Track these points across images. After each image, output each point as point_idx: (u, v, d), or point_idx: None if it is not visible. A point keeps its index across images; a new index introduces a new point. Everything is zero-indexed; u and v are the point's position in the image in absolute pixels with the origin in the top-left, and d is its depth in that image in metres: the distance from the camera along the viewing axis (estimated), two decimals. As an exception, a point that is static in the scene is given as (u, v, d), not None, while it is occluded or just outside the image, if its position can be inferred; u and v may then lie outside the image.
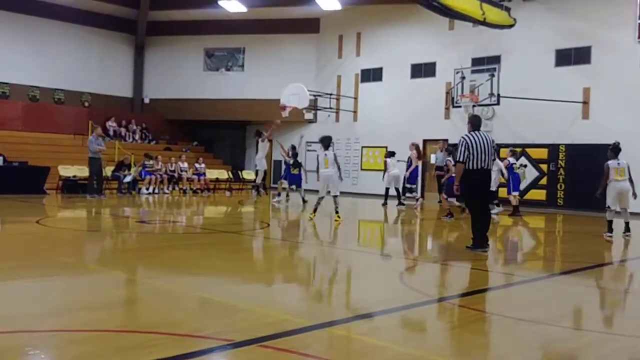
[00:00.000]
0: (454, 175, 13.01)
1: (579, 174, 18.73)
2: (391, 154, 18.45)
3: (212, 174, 24.03)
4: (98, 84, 26.61)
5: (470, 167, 8.70)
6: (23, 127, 23.17)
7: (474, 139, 8.69)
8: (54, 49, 25.04)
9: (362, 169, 24.60)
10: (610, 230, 11.35)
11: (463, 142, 8.68)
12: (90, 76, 26.32)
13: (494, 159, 11.41)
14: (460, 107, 20.36)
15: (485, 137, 8.78)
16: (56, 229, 11.05)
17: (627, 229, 11.51)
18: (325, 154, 12.57)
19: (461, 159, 8.66)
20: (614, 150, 11.53)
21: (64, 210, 15.26)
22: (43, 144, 22.26)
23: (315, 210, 12.73)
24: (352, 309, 5.50)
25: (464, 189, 8.99)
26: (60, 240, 9.53)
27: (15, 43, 23.84)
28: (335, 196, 12.60)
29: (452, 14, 17.66)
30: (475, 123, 8.95)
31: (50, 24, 24.79)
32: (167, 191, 21.53)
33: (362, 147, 24.72)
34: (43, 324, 4.51)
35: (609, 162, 11.38)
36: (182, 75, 27.51)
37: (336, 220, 12.49)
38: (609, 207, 11.39)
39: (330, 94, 25.04)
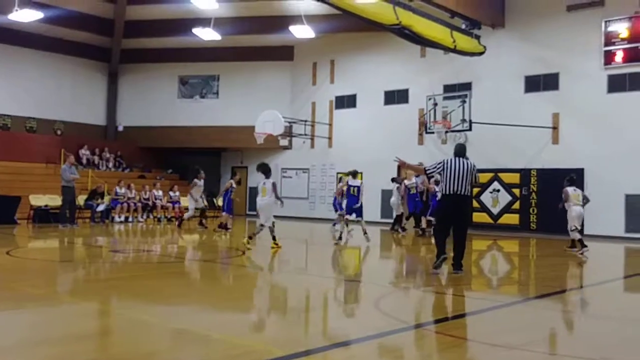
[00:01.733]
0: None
1: (551, 198, 18.96)
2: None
3: (187, 201, 23.76)
4: (71, 112, 26.39)
5: (444, 192, 9.09)
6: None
7: (451, 163, 9.01)
8: (25, 76, 24.81)
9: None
10: (584, 245, 12.54)
11: (440, 162, 9.12)
12: (62, 104, 26.11)
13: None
14: (433, 133, 20.60)
15: (464, 164, 9.04)
16: (27, 260, 10.84)
17: (584, 244, 12.75)
18: (264, 182, 12.28)
19: (428, 170, 9.33)
20: (570, 180, 13.43)
21: (35, 240, 15.00)
22: (14, 173, 21.91)
23: (250, 238, 12.37)
24: (328, 337, 5.46)
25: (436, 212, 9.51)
26: (30, 271, 9.35)
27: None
28: (262, 225, 12.25)
29: (424, 42, 17.99)
30: (456, 150, 9.33)
31: (22, 51, 24.61)
32: (141, 219, 21.30)
33: (337, 173, 24.81)
34: (10, 358, 4.40)
35: (567, 188, 13.21)
36: (156, 103, 27.44)
37: (272, 248, 12.13)
38: (575, 227, 12.82)
39: (305, 121, 25.18)
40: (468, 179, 8.94)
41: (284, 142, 25.31)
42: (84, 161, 24.91)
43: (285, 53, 26.54)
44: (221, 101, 27.29)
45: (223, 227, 17.28)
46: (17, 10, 20.66)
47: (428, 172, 9.38)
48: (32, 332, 5.31)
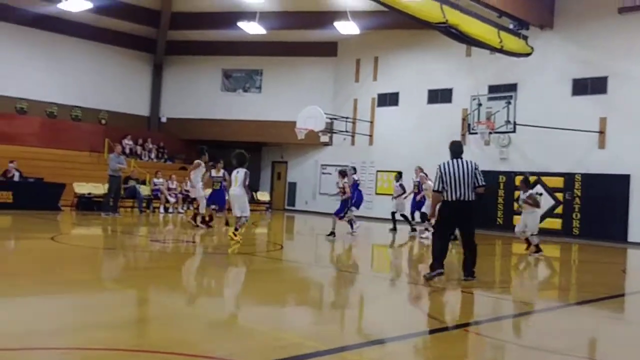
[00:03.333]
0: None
1: (595, 204, 18.58)
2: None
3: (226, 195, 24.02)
4: (115, 102, 26.86)
5: (445, 199, 8.24)
6: (40, 144, 23.36)
7: (449, 167, 8.24)
8: (73, 66, 25.32)
9: (376, 193, 24.54)
10: (540, 250, 12.57)
11: (437, 171, 8.30)
12: (107, 94, 26.58)
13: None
14: (476, 133, 20.31)
15: (464, 165, 8.23)
16: (70, 246, 11.08)
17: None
18: (237, 171, 11.82)
19: (436, 188, 8.25)
20: (528, 182, 13.27)
21: (78, 227, 15.32)
22: (59, 161, 22.42)
23: (236, 230, 11.68)
24: (366, 334, 5.43)
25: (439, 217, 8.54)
26: (74, 257, 9.55)
27: (34, 59, 24.16)
28: (239, 217, 11.77)
29: (470, 41, 17.72)
30: (453, 150, 8.52)
31: (70, 41, 25.12)
32: (181, 210, 21.58)
33: (377, 171, 24.70)
34: (56, 341, 4.49)
35: (532, 191, 13.14)
36: (199, 95, 27.74)
37: (231, 238, 11.57)
38: (537, 233, 12.77)
39: (347, 118, 25.12)
40: (470, 182, 8.10)
41: (324, 138, 25.31)
42: (127, 151, 25.34)
43: (329, 49, 26.51)
44: (263, 95, 27.44)
45: (204, 222, 15.20)
46: (66, 0, 21.17)
47: (438, 191, 8.27)
48: (76, 317, 5.41)
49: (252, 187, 27.73)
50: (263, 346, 4.58)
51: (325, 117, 22.27)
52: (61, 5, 21.40)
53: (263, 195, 26.56)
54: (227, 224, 15.54)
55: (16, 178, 18.21)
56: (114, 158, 17.53)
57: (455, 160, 8.26)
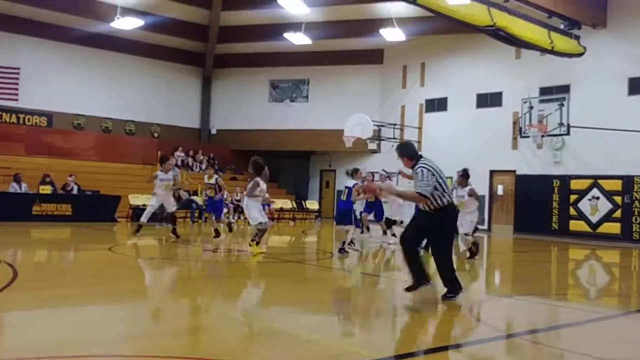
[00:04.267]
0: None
1: (656, 207, 17.93)
2: None
3: (277, 203, 24.26)
4: (167, 116, 27.48)
5: (439, 204, 6.74)
6: (96, 158, 24.09)
7: (433, 165, 6.86)
8: (126, 82, 26.04)
9: (425, 200, 24.24)
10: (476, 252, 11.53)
11: (425, 170, 6.70)
12: (159, 108, 27.22)
13: None
14: (528, 137, 19.91)
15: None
16: (126, 257, 11.33)
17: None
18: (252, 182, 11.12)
19: (427, 193, 6.63)
20: (467, 175, 11.95)
21: (134, 237, 15.65)
22: (114, 174, 23.05)
23: (256, 242, 10.91)
24: (420, 343, 5.35)
25: (435, 231, 6.95)
26: (130, 267, 9.76)
27: (90, 77, 24.96)
28: (260, 224, 10.96)
29: (519, 43, 17.41)
30: (413, 151, 7.12)
31: (123, 58, 25.84)
32: (232, 220, 21.81)
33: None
34: (112, 350, 4.59)
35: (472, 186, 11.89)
36: (247, 107, 28.08)
37: (253, 254, 10.79)
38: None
39: (394, 124, 24.98)
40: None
41: (372, 145, 25.21)
42: (179, 163, 25.83)
43: (375, 56, 26.47)
44: (311, 105, 27.57)
45: (174, 234, 13.53)
46: (119, 19, 21.84)
47: (425, 193, 6.62)
48: (132, 326, 5.52)
49: (300, 195, 27.94)
50: (316, 355, 4.56)
51: (372, 125, 22.21)
52: (114, 24, 22.08)
53: (312, 204, 26.62)
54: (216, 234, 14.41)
55: (75, 191, 18.83)
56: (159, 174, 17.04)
57: (429, 160, 6.91)
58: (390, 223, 14.58)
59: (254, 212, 11.00)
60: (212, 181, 14.76)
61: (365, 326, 5.98)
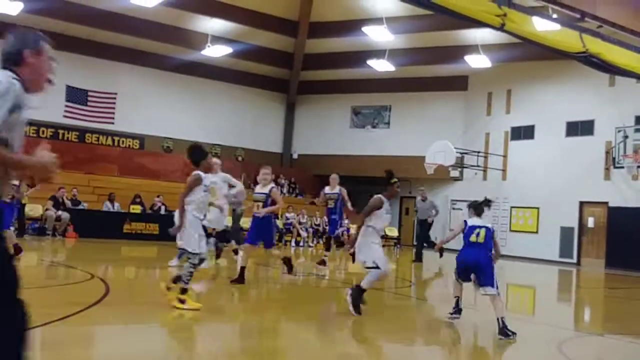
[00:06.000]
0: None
1: None
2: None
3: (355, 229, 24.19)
4: (251, 140, 28.14)
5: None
6: (183, 179, 24.77)
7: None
8: (213, 107, 26.93)
9: (511, 230, 23.53)
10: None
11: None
12: (244, 132, 27.92)
13: None
14: (622, 167, 18.98)
15: None
16: (209, 275, 11.55)
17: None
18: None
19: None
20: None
21: (217, 257, 15.97)
22: (202, 195, 23.65)
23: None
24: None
25: None
26: (214, 286, 9.94)
27: (181, 102, 25.97)
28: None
29: (613, 70, 16.62)
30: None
31: (211, 83, 26.76)
32: (311, 245, 21.94)
33: (511, 207, 23.71)
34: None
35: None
36: (329, 132, 28.33)
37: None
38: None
39: (478, 152, 24.47)
40: None
41: (454, 173, 24.80)
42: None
43: (459, 83, 26.14)
44: (392, 131, 27.48)
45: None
46: (209, 47, 22.74)
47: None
48: (211, 344, 5.60)
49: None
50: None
51: (455, 152, 21.86)
52: (205, 52, 22.99)
53: (391, 231, 26.37)
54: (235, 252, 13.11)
55: (162, 211, 19.50)
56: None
57: None
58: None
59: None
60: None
61: (443, 357, 5.81)
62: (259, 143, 28.47)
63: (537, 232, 22.37)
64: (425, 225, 17.59)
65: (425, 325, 7.75)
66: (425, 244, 17.30)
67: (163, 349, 5.22)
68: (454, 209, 25.78)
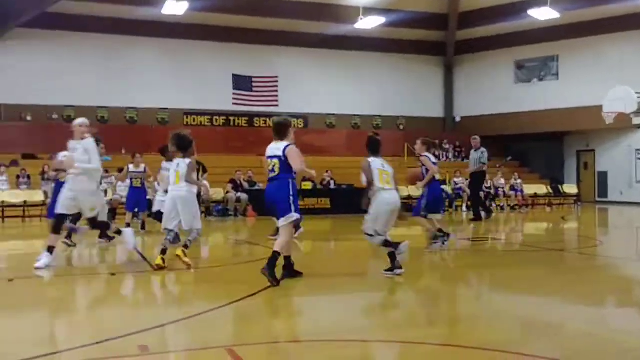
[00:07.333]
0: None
1: None
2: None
3: (530, 189, 23.22)
4: (411, 107, 27.88)
5: None
6: (347, 153, 25.30)
7: None
8: (370, 78, 27.01)
9: None
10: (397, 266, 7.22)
11: None
12: (403, 100, 27.73)
13: None
14: None
15: None
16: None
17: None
18: (178, 164, 8.00)
19: None
20: (373, 144, 8.07)
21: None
22: (355, 167, 23.98)
23: (185, 247, 7.81)
24: None
25: None
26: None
27: (337, 77, 26.40)
28: (190, 233, 7.93)
29: None
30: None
31: (365, 55, 26.79)
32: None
33: None
34: (368, 335, 4.79)
35: (370, 159, 7.84)
36: (491, 91, 27.23)
37: (180, 258, 7.65)
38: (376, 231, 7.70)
39: (665, 95, 22.09)
40: None
41: (637, 120, 22.65)
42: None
43: (634, 21, 23.61)
44: (561, 82, 25.72)
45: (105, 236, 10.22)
46: (362, 19, 22.81)
47: None
48: (394, 314, 5.70)
49: (555, 179, 26.22)
50: (598, 349, 4.24)
51: (636, 97, 19.96)
52: (357, 25, 23.13)
53: (570, 188, 24.90)
54: (142, 227, 12.88)
55: (332, 186, 20.12)
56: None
57: None
58: None
59: (195, 213, 8.16)
60: (141, 169, 12.74)
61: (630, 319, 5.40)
62: (420, 110, 28.15)
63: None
64: (476, 178, 15.59)
65: (618, 286, 7.25)
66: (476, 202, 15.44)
67: (350, 320, 5.41)
68: (639, 159, 23.69)
